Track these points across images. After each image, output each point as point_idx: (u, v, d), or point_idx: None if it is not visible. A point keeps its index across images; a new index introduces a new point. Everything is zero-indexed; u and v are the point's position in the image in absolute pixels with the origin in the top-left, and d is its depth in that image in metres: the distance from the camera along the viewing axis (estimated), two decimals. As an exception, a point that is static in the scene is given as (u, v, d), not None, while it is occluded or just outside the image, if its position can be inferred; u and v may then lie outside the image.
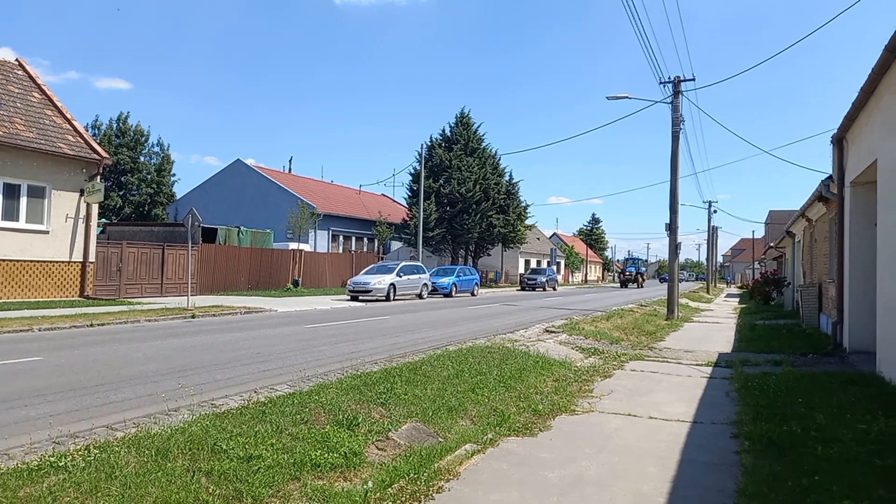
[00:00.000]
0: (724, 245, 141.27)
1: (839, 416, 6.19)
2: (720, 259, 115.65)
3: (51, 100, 21.67)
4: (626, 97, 21.55)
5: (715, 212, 62.56)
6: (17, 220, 18.73)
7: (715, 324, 20.00)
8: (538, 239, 73.16)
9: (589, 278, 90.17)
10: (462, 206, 43.10)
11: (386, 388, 6.69)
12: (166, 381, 7.68)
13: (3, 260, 18.20)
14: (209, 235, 28.12)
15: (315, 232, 40.06)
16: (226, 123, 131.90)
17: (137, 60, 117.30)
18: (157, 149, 48.19)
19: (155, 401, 6.50)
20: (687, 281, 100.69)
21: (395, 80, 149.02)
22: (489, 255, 51.40)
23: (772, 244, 36.80)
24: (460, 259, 46.88)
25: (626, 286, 64.26)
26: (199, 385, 7.30)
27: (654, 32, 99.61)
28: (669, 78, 20.86)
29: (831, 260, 13.71)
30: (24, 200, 18.90)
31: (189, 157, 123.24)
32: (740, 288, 71.52)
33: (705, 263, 76.78)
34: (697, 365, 10.54)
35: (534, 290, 45.26)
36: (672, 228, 20.76)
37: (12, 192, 18.66)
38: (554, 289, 48.20)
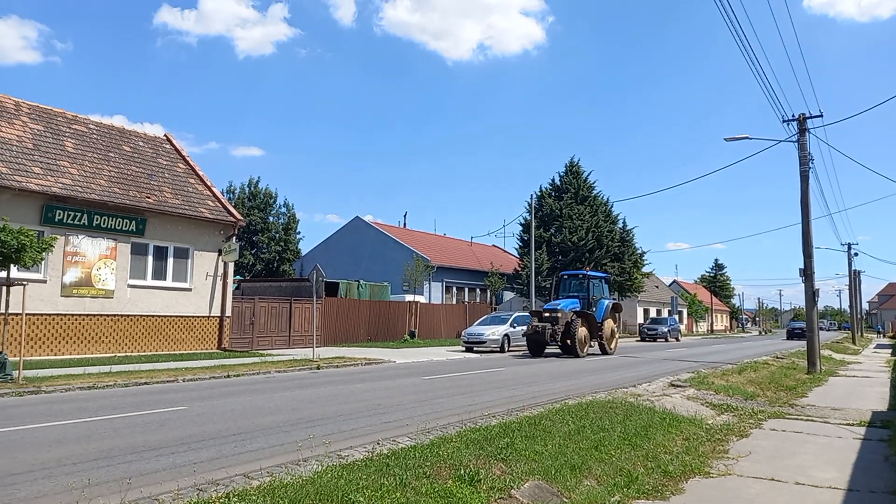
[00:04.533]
0: (869, 291, 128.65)
1: None
2: (865, 306, 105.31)
3: (193, 169, 23.99)
4: (746, 138, 20.62)
5: (856, 255, 56.89)
6: (165, 279, 20.64)
7: (864, 378, 18.09)
8: (657, 287, 70.35)
9: (715, 328, 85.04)
10: (574, 255, 42.47)
11: (506, 442, 6.60)
12: (296, 431, 8.03)
13: (153, 316, 20.03)
14: (332, 289, 29.48)
15: (429, 284, 40.87)
16: (346, 182, 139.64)
17: (269, 129, 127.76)
18: (284, 209, 51.71)
19: (286, 450, 6.81)
20: (828, 330, 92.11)
21: (505, 134, 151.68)
22: (605, 304, 49.84)
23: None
24: (575, 309, 45.80)
25: (542, 348, 24.18)
26: (326, 436, 7.56)
27: (774, 71, 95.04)
28: (793, 116, 19.75)
29: None
30: (170, 261, 20.84)
31: (313, 216, 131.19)
32: (893, 338, 64.46)
33: (848, 311, 70.18)
34: (847, 425, 9.55)
35: (654, 340, 43.29)
36: (807, 274, 19.25)
37: (160, 253, 20.64)
38: (677, 339, 45.83)
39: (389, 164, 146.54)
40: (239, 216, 23.27)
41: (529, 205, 40.81)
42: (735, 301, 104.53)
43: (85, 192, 18.53)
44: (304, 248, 51.68)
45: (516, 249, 46.78)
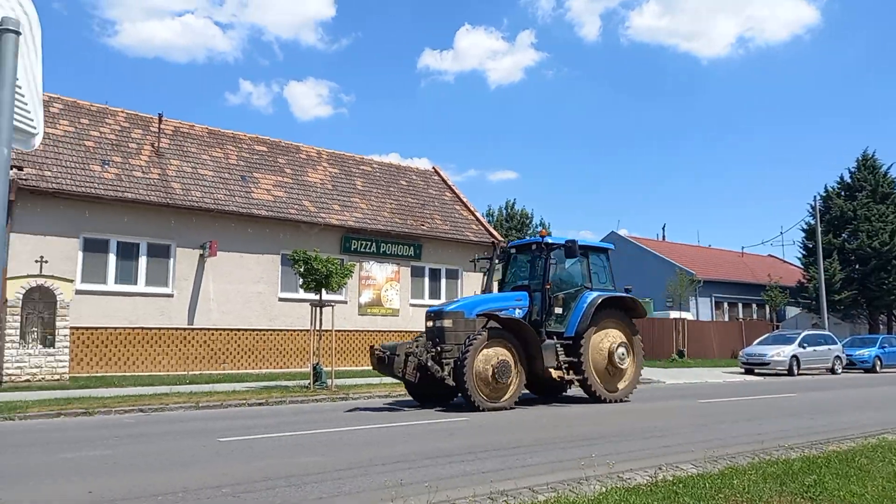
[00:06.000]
0: None
1: None
2: None
3: (458, 196, 25.91)
4: None
5: None
6: (439, 297, 22.52)
7: None
8: None
9: None
10: (877, 263, 36.21)
11: (813, 480, 5.86)
12: (573, 448, 8.11)
13: (430, 332, 21.95)
14: (591, 306, 29.24)
15: (696, 299, 38.24)
16: (597, 198, 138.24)
17: (521, 152, 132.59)
18: (539, 228, 52.95)
19: (565, 467, 6.89)
20: None
21: (773, 130, 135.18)
22: (923, 320, 41.53)
23: None
24: (881, 327, 38.99)
25: (428, 390, 12.17)
26: (604, 455, 7.49)
27: None
28: None
29: None
30: (443, 282, 22.75)
31: (566, 233, 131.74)
32: None
33: None
34: None
35: None
36: None
37: (434, 275, 22.65)
38: None
39: (643, 176, 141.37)
40: (499, 237, 24.50)
41: (812, 207, 36.07)
42: None
43: (373, 223, 21.19)
44: (562, 265, 52.07)
45: (798, 259, 41.53)
